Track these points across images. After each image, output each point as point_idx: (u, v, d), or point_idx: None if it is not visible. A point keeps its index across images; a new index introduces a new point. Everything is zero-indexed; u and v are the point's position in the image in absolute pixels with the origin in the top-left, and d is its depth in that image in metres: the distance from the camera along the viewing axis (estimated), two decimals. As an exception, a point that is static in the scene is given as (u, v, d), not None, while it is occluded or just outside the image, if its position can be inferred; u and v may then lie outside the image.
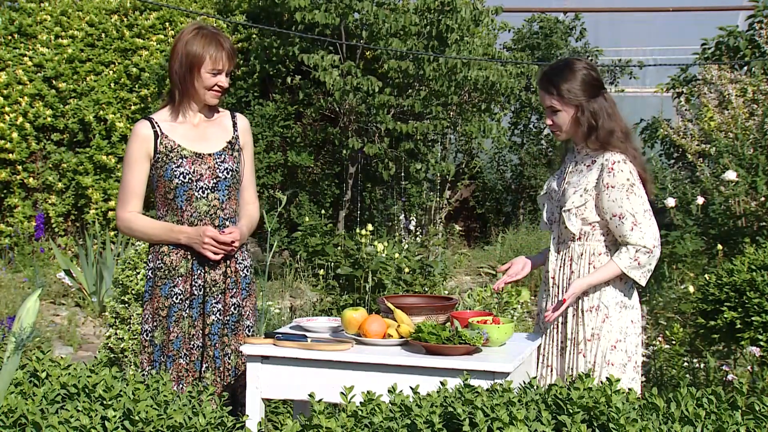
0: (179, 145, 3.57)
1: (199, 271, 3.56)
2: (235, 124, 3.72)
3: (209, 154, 3.60)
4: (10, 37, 10.59)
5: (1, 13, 10.72)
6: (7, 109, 10.23)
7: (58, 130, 10.36)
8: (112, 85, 10.22)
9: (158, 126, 3.59)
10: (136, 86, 10.23)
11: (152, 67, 10.09)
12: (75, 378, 2.50)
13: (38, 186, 10.35)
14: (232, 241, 3.53)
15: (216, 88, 3.59)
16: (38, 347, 6.10)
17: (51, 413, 2.36)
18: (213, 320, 3.56)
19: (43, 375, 2.55)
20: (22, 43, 10.60)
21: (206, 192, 3.57)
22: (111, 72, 10.29)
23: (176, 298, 3.55)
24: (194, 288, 3.56)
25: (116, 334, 5.36)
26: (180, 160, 3.55)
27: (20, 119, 10.21)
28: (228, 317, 3.60)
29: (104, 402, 2.41)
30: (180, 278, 3.56)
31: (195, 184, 3.55)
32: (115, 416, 2.29)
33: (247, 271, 3.68)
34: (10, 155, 10.23)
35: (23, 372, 2.57)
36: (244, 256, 3.70)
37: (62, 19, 10.61)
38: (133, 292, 5.31)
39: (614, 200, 3.56)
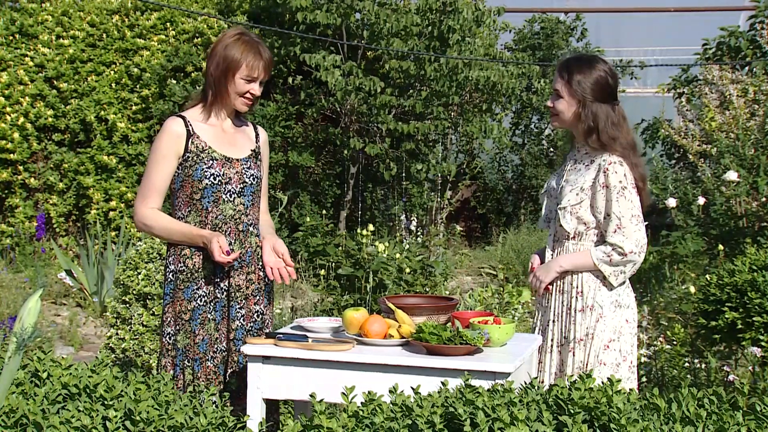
0: (210, 147, 3.56)
1: (222, 274, 3.56)
2: (257, 136, 3.75)
3: (237, 159, 3.60)
4: (11, 38, 10.59)
5: (3, 13, 10.73)
6: (8, 109, 10.23)
7: (60, 131, 10.36)
8: (113, 85, 10.22)
9: (191, 125, 3.57)
10: (137, 86, 10.23)
11: (153, 67, 10.09)
12: (76, 378, 2.50)
13: (39, 186, 10.36)
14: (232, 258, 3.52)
15: (248, 95, 3.58)
16: (39, 347, 6.10)
17: (52, 413, 2.36)
18: (237, 326, 3.57)
19: (45, 375, 2.55)
20: (23, 43, 10.60)
21: (233, 196, 3.57)
22: (112, 72, 10.29)
23: (200, 301, 3.54)
24: (217, 291, 3.56)
25: (117, 334, 5.37)
26: (210, 162, 3.54)
27: (21, 119, 10.21)
28: (251, 324, 3.60)
29: (105, 402, 2.41)
30: (203, 280, 3.55)
31: (224, 186, 3.55)
32: (116, 416, 2.29)
33: (268, 278, 3.67)
34: (12, 155, 10.23)
35: (24, 372, 2.57)
36: None
37: (63, 20, 10.62)
38: (134, 292, 5.31)
39: (607, 200, 3.60)
